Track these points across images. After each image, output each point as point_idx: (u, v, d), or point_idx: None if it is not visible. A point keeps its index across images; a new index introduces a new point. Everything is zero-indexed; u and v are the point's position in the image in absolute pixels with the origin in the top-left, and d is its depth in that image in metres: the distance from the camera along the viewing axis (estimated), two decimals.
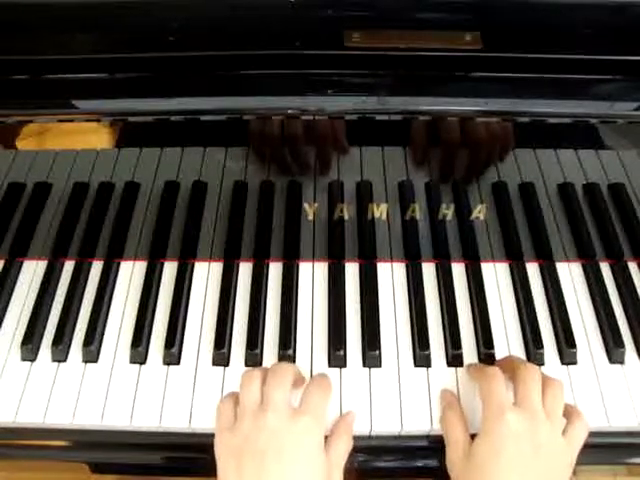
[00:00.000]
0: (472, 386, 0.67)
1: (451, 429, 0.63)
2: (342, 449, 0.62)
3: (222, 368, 0.69)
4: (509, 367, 0.66)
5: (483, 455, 0.59)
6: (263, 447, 0.58)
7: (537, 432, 0.59)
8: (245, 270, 0.78)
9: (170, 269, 0.78)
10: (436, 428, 0.65)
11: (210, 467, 0.63)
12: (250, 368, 0.66)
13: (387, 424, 0.65)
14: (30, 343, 0.70)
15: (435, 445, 0.66)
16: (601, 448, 0.67)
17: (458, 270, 0.78)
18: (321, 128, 0.64)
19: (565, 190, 0.72)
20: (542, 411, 0.61)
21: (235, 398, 0.64)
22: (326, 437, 0.62)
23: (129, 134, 0.65)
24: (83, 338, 0.71)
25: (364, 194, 0.72)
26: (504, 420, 0.59)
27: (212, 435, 0.64)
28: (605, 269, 0.78)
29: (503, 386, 0.62)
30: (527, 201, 0.73)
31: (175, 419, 0.66)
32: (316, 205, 0.73)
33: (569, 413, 0.63)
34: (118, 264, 0.78)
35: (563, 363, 0.70)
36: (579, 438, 0.62)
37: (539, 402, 0.61)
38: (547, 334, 0.72)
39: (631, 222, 0.75)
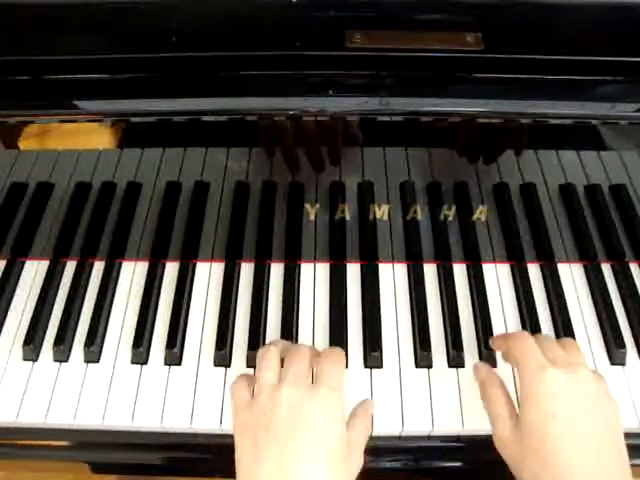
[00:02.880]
0: (473, 386, 0.67)
1: (494, 405, 0.60)
2: (361, 430, 0.61)
3: (223, 369, 0.69)
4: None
5: (536, 422, 0.55)
6: (281, 422, 0.56)
7: (584, 383, 0.56)
8: (247, 271, 0.78)
9: (172, 269, 0.78)
10: (437, 429, 0.65)
11: (211, 467, 0.63)
12: (267, 344, 0.65)
13: (388, 424, 0.65)
14: (32, 343, 0.70)
15: (436, 445, 0.66)
16: None
17: (459, 271, 0.78)
18: (323, 129, 0.64)
19: (566, 191, 0.72)
20: (576, 362, 0.59)
21: (248, 378, 0.63)
22: None
23: (131, 134, 0.65)
24: (85, 338, 0.71)
25: (365, 195, 0.72)
26: (548, 377, 0.56)
27: (214, 435, 0.64)
28: (606, 270, 0.78)
29: (536, 345, 0.59)
30: (528, 202, 0.73)
31: (176, 419, 0.66)
32: (317, 206, 0.73)
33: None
34: (120, 264, 0.78)
35: None
36: (608, 388, 0.60)
37: (567, 356, 0.60)
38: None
39: (632, 223, 0.75)
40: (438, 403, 0.66)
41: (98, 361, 0.70)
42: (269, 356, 0.61)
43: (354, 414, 0.63)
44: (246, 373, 0.65)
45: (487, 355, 0.70)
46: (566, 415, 0.54)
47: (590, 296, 0.76)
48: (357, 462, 0.58)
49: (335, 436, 0.56)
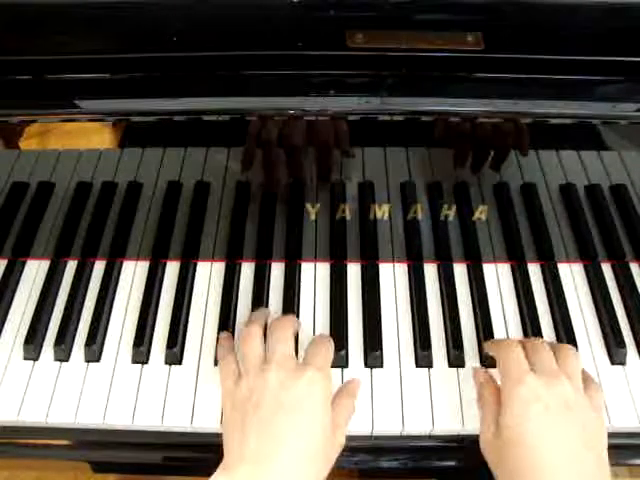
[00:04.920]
0: (473, 386, 0.67)
1: (485, 409, 0.62)
2: (345, 411, 0.63)
3: None
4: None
5: (511, 426, 0.57)
6: (268, 401, 0.58)
7: (561, 390, 0.58)
8: (247, 270, 0.78)
9: (172, 269, 0.78)
10: (437, 428, 0.65)
11: (212, 466, 0.63)
12: (249, 323, 0.67)
13: (389, 424, 0.65)
14: (33, 342, 0.71)
15: (436, 445, 0.66)
16: None
17: (460, 271, 0.78)
18: (324, 129, 0.64)
19: (567, 191, 0.72)
20: (559, 371, 0.60)
21: (236, 353, 0.65)
22: None
23: (132, 134, 0.65)
24: (85, 338, 0.71)
25: (366, 195, 0.72)
26: (525, 384, 0.58)
27: (214, 435, 0.64)
28: (607, 270, 0.78)
29: (521, 354, 0.61)
30: (529, 202, 0.73)
31: (177, 419, 0.66)
32: (318, 205, 0.73)
33: (583, 380, 0.63)
34: (120, 264, 0.78)
35: None
36: (599, 399, 0.62)
37: (555, 365, 0.61)
38: (548, 335, 0.72)
39: (633, 223, 0.75)
40: (438, 402, 0.67)
41: (99, 360, 0.70)
42: (252, 335, 0.64)
43: (339, 394, 0.64)
44: (232, 347, 0.67)
45: (487, 355, 0.70)
46: (539, 420, 0.56)
47: (590, 296, 0.76)
48: (340, 441, 0.61)
49: (319, 416, 0.59)
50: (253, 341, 0.64)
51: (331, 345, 0.66)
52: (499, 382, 0.63)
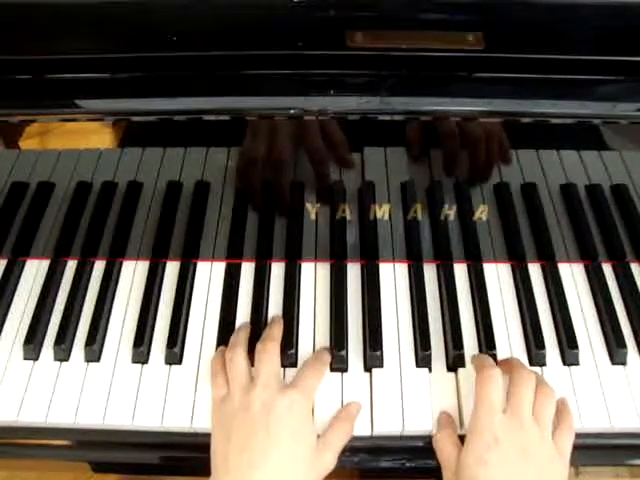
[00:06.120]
0: (473, 386, 0.67)
1: (443, 449, 0.63)
2: (339, 433, 0.63)
3: None
4: (508, 369, 0.66)
5: (470, 466, 0.59)
6: (252, 419, 0.60)
7: (525, 438, 0.59)
8: (248, 270, 0.78)
9: (172, 269, 0.78)
10: None
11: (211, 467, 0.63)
12: (232, 346, 0.68)
13: (389, 424, 0.65)
14: (32, 342, 0.71)
15: None
16: (603, 449, 0.67)
17: (460, 271, 0.78)
18: (325, 130, 0.64)
19: (568, 191, 0.72)
20: (530, 417, 0.61)
21: (225, 373, 0.67)
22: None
23: (132, 134, 0.65)
24: (85, 337, 0.71)
25: (366, 195, 0.72)
26: (492, 428, 0.59)
27: None
28: (607, 270, 0.78)
29: (498, 390, 0.62)
30: (529, 202, 0.73)
31: (177, 419, 0.66)
32: (318, 205, 0.73)
33: (557, 417, 0.63)
34: (120, 263, 0.78)
35: (565, 364, 0.70)
36: (567, 443, 0.62)
37: (529, 409, 0.61)
38: (549, 335, 0.72)
39: (634, 223, 0.75)
40: (439, 402, 0.66)
41: (99, 360, 0.70)
42: (235, 360, 0.66)
43: (337, 415, 0.65)
44: (223, 365, 0.67)
45: (487, 355, 0.70)
46: (495, 466, 0.58)
47: (591, 296, 0.76)
48: (326, 463, 0.62)
49: (302, 434, 0.61)
50: (238, 365, 0.65)
51: (322, 368, 0.68)
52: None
